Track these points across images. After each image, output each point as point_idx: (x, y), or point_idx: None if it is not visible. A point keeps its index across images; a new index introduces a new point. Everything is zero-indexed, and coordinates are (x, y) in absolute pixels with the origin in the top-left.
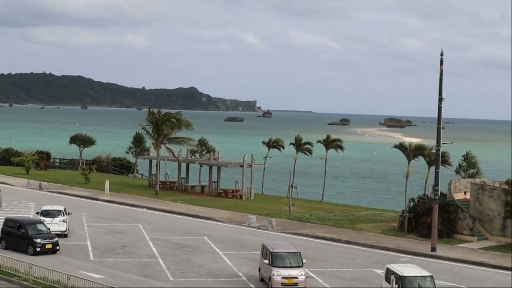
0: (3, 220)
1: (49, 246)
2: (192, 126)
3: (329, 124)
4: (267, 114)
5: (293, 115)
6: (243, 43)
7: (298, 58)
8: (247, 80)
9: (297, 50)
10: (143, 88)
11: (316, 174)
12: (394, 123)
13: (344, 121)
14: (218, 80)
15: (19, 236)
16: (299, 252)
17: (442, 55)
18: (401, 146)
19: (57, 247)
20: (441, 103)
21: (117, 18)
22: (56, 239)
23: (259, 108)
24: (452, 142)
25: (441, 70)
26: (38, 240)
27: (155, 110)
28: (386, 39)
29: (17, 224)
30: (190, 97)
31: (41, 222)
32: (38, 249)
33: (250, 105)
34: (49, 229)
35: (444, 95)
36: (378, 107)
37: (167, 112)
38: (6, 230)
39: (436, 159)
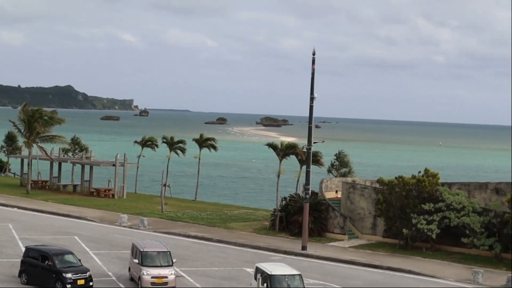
0: (24, 250)
1: (81, 282)
2: (65, 122)
3: (206, 123)
4: (144, 113)
5: (170, 114)
6: (120, 41)
7: (176, 57)
8: (124, 79)
9: (175, 48)
10: (19, 86)
11: (190, 173)
12: (270, 122)
13: (221, 120)
14: (95, 78)
15: (45, 269)
16: (169, 251)
17: (314, 54)
18: (272, 145)
19: (91, 283)
20: (312, 102)
21: None
22: (89, 273)
23: (136, 107)
24: (323, 141)
25: (313, 70)
26: (69, 275)
27: (28, 108)
28: (264, 38)
29: (42, 255)
30: (66, 95)
31: (71, 253)
32: (68, 286)
33: (127, 104)
34: (79, 260)
35: (315, 95)
36: (255, 106)
37: (39, 109)
38: (28, 261)
39: (307, 158)
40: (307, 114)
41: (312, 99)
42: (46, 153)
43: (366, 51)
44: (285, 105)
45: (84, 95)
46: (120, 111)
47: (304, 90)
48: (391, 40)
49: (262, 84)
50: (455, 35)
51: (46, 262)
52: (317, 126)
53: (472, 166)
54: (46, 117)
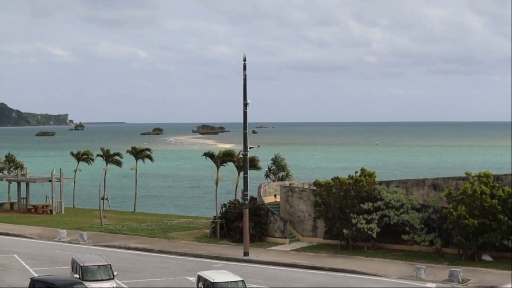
0: (29, 282)
1: None
2: None
3: (142, 134)
4: (79, 127)
5: (106, 127)
6: (51, 56)
7: (108, 69)
8: (57, 94)
9: (107, 61)
10: None
11: (129, 185)
12: (207, 130)
13: (157, 130)
14: (28, 94)
15: None
16: (110, 265)
17: (245, 60)
18: (209, 154)
19: None
20: (246, 108)
21: None
22: None
23: (71, 121)
24: (259, 146)
25: (245, 75)
26: None
27: None
28: (195, 46)
29: (48, 287)
30: None
31: (80, 283)
32: None
33: (61, 119)
34: None
35: (249, 100)
36: (191, 115)
37: None
38: None
39: (244, 164)
40: (240, 120)
41: (245, 105)
42: None
43: (298, 54)
44: (220, 112)
45: (17, 112)
46: (55, 126)
47: (239, 96)
48: (323, 42)
49: (196, 92)
50: (386, 34)
51: None
52: (253, 132)
53: (409, 163)
54: None
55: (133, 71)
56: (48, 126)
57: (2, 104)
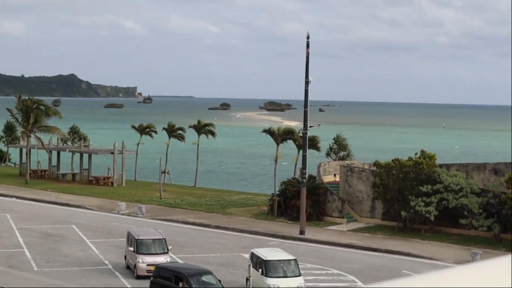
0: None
1: None
2: (60, 115)
3: (209, 109)
4: (148, 100)
5: (174, 101)
6: (122, 28)
7: (178, 44)
8: (127, 67)
9: (178, 35)
10: (22, 76)
11: (192, 160)
12: (274, 106)
13: (225, 105)
14: (98, 67)
15: None
16: (164, 239)
17: (308, 38)
18: (269, 131)
19: None
20: (307, 86)
21: None
22: None
23: (140, 94)
24: (319, 125)
25: (307, 53)
26: None
27: (26, 97)
28: (265, 22)
29: (176, 275)
30: (70, 84)
31: (210, 272)
32: None
33: (130, 91)
34: (220, 281)
35: (311, 78)
36: (258, 91)
37: (36, 99)
38: (160, 283)
39: (304, 142)
40: (310, 98)
41: (307, 83)
42: (42, 143)
43: (369, 33)
44: (288, 90)
45: (87, 83)
46: (123, 98)
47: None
48: (395, 22)
49: (265, 68)
50: (459, 15)
51: (181, 284)
52: (320, 110)
53: (474, 147)
54: (42, 106)
55: (203, 46)
56: (116, 98)
57: (72, 75)
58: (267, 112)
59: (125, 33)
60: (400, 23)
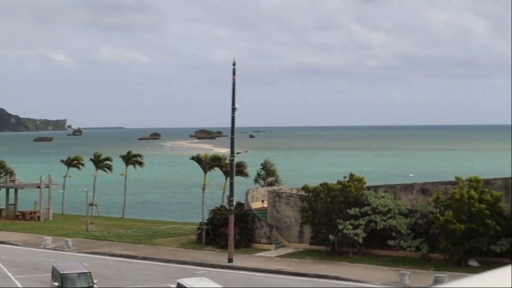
0: None
1: None
2: None
3: (139, 139)
4: (77, 132)
5: (104, 132)
6: (52, 61)
7: (108, 75)
8: (57, 99)
9: (107, 66)
10: None
11: (120, 191)
12: (204, 134)
13: (155, 135)
14: (28, 100)
15: None
16: (90, 272)
17: (234, 65)
18: (197, 158)
19: None
20: (234, 113)
21: None
22: None
23: (70, 126)
24: (246, 151)
25: (234, 80)
26: None
27: None
28: (196, 51)
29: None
30: None
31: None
32: None
33: (60, 124)
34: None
35: (237, 105)
36: (190, 120)
37: None
38: None
39: (231, 169)
40: (241, 125)
41: (233, 109)
42: None
43: (300, 58)
44: (219, 117)
45: (16, 117)
46: (53, 131)
47: (238, 101)
48: (325, 46)
49: (196, 97)
50: (389, 38)
51: None
52: (251, 136)
53: (406, 167)
54: None
55: (134, 76)
56: (46, 132)
57: (1, 109)
58: (198, 140)
59: (54, 66)
60: (330, 47)
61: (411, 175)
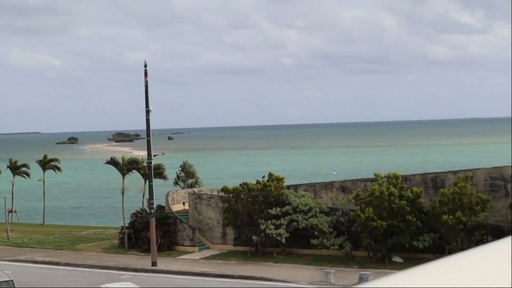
0: None
1: None
2: None
3: (57, 143)
4: None
5: (20, 138)
6: None
7: (21, 79)
8: None
9: (20, 70)
10: None
11: (40, 197)
12: (122, 137)
13: (72, 139)
14: None
15: None
16: (12, 280)
17: (146, 66)
18: (113, 162)
19: None
20: (148, 115)
21: None
22: None
23: None
24: (163, 154)
25: (146, 82)
26: None
27: None
28: (110, 53)
29: None
30: None
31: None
32: None
33: None
34: None
35: (151, 107)
36: (107, 123)
37: None
38: None
39: (149, 172)
40: (159, 127)
41: (147, 112)
42: None
43: (215, 58)
44: (136, 120)
45: None
46: None
47: (154, 103)
48: (239, 45)
49: (112, 99)
50: (302, 36)
51: None
52: (169, 138)
53: (325, 165)
54: None
55: (48, 80)
56: None
57: None
58: (116, 143)
59: None
60: (244, 46)
61: (335, 173)
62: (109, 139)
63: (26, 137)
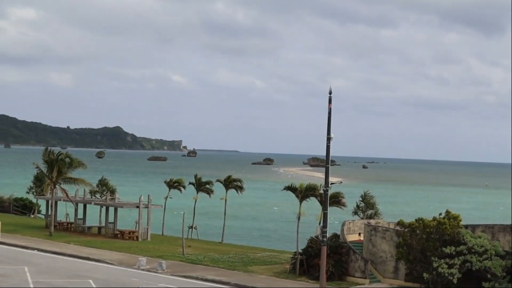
0: None
1: None
2: (85, 166)
3: (253, 163)
4: (192, 153)
5: (218, 155)
6: (170, 82)
7: (224, 97)
8: (173, 120)
9: (224, 89)
10: (68, 127)
11: (221, 214)
12: (317, 162)
13: (268, 160)
14: (144, 119)
15: None
16: None
17: (330, 93)
18: (291, 188)
19: None
20: (329, 142)
21: (43, 56)
22: None
23: (185, 147)
24: (341, 182)
25: (330, 109)
26: None
27: (53, 149)
28: (312, 78)
29: None
30: (115, 136)
31: None
32: None
33: (175, 145)
34: None
35: (332, 135)
36: (303, 147)
37: (60, 151)
38: None
39: (325, 199)
40: (356, 155)
41: (328, 139)
42: (67, 195)
43: (416, 91)
44: (333, 146)
45: (132, 136)
46: (168, 151)
47: (352, 130)
48: (443, 80)
49: (310, 124)
50: (507, 74)
51: None
52: (364, 167)
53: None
54: (67, 159)
55: (250, 100)
56: (161, 151)
57: (118, 127)
58: (311, 167)
59: (172, 86)
60: (447, 81)
61: None
62: (304, 163)
63: (225, 154)
